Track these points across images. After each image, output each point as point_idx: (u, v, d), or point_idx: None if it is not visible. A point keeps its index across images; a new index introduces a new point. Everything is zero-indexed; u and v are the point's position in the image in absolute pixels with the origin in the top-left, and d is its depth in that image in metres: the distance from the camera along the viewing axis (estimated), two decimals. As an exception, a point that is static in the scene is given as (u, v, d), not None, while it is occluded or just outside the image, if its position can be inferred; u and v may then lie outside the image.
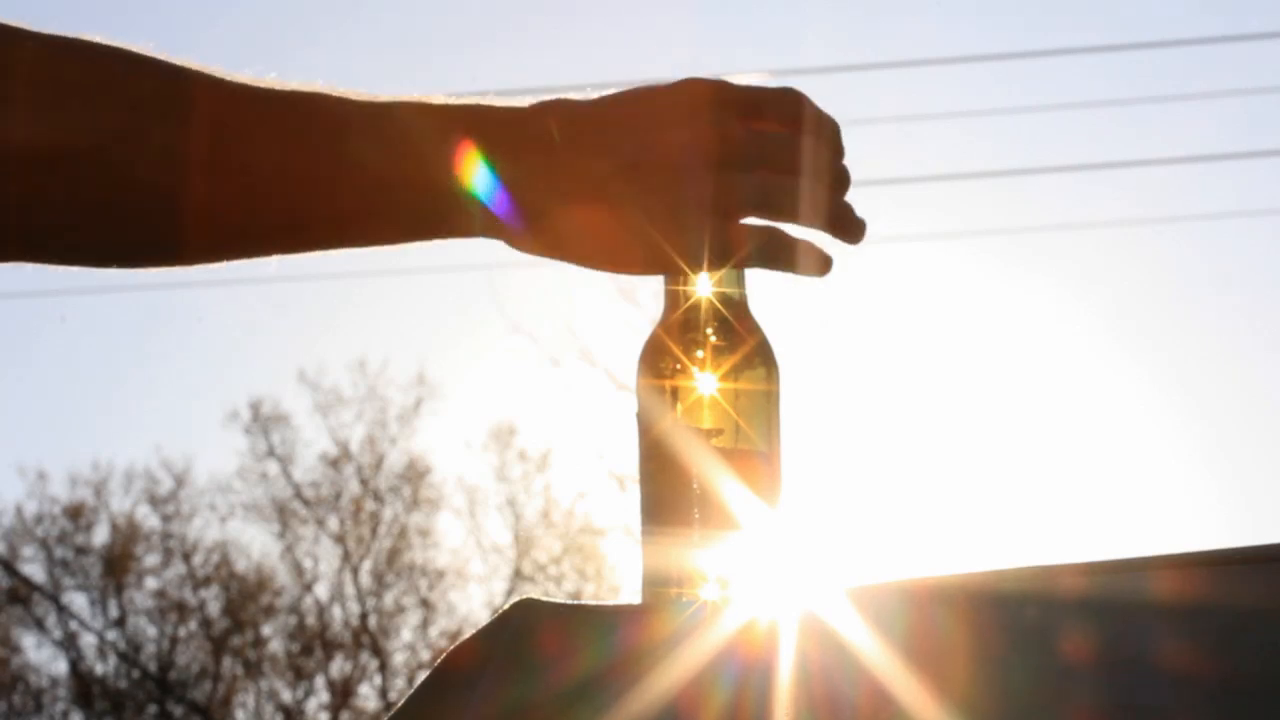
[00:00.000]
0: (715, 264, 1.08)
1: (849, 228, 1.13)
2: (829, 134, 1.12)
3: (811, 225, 1.11)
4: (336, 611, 20.13)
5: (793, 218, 1.10)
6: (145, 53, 1.06)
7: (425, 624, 19.98)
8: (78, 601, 20.07)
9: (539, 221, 1.09)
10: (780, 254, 1.10)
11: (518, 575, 19.71)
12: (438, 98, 1.10)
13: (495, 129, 1.09)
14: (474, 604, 20.34)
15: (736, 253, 1.08)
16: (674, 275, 1.13)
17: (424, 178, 1.08)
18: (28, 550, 20.08)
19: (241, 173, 1.05)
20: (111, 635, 19.94)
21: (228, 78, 1.07)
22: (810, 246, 1.12)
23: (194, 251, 1.09)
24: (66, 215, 1.05)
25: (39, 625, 19.92)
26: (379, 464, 20.39)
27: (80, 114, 1.03)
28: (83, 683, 19.74)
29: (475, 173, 1.08)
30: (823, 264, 1.12)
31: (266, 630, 20.27)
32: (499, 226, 1.09)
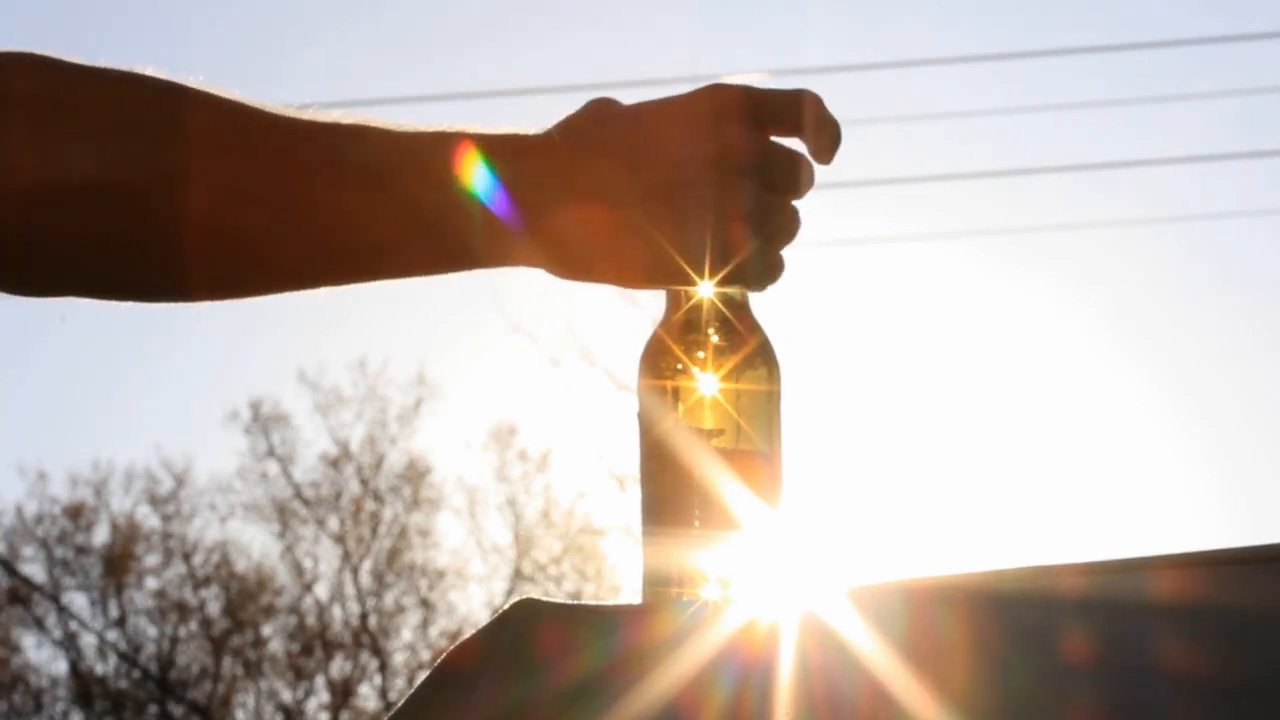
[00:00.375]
0: (716, 265, 1.08)
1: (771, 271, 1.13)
2: (827, 140, 1.12)
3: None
4: (336, 611, 20.14)
5: (787, 238, 1.11)
6: (202, 87, 1.07)
7: (425, 624, 19.99)
8: (78, 601, 20.08)
9: (539, 221, 1.09)
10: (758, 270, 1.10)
11: (518, 575, 19.71)
12: (457, 128, 1.11)
13: (495, 136, 1.09)
14: (474, 604, 20.35)
15: (737, 255, 1.09)
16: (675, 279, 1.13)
17: (458, 209, 1.08)
18: (28, 550, 20.09)
19: (296, 208, 1.06)
20: (112, 635, 19.94)
21: (281, 112, 1.08)
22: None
23: (242, 286, 1.10)
24: (125, 251, 1.06)
25: (39, 625, 19.92)
26: (379, 464, 20.39)
27: (140, 151, 1.04)
28: (83, 683, 19.74)
29: (474, 173, 1.08)
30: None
31: (267, 630, 20.28)
32: (531, 253, 1.09)
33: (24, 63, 1.05)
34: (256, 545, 25.82)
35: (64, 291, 1.09)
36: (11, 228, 1.04)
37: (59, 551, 20.10)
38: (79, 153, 1.04)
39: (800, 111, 1.11)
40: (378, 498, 20.34)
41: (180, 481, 20.32)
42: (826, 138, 1.12)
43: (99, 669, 20.01)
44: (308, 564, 20.20)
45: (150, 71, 1.07)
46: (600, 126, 1.11)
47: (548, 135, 1.10)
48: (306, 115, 1.09)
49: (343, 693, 19.75)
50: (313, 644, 19.97)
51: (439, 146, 1.09)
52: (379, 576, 20.12)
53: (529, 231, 1.09)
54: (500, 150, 1.09)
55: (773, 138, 1.11)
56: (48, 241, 1.05)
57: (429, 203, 1.08)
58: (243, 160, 1.06)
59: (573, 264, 1.11)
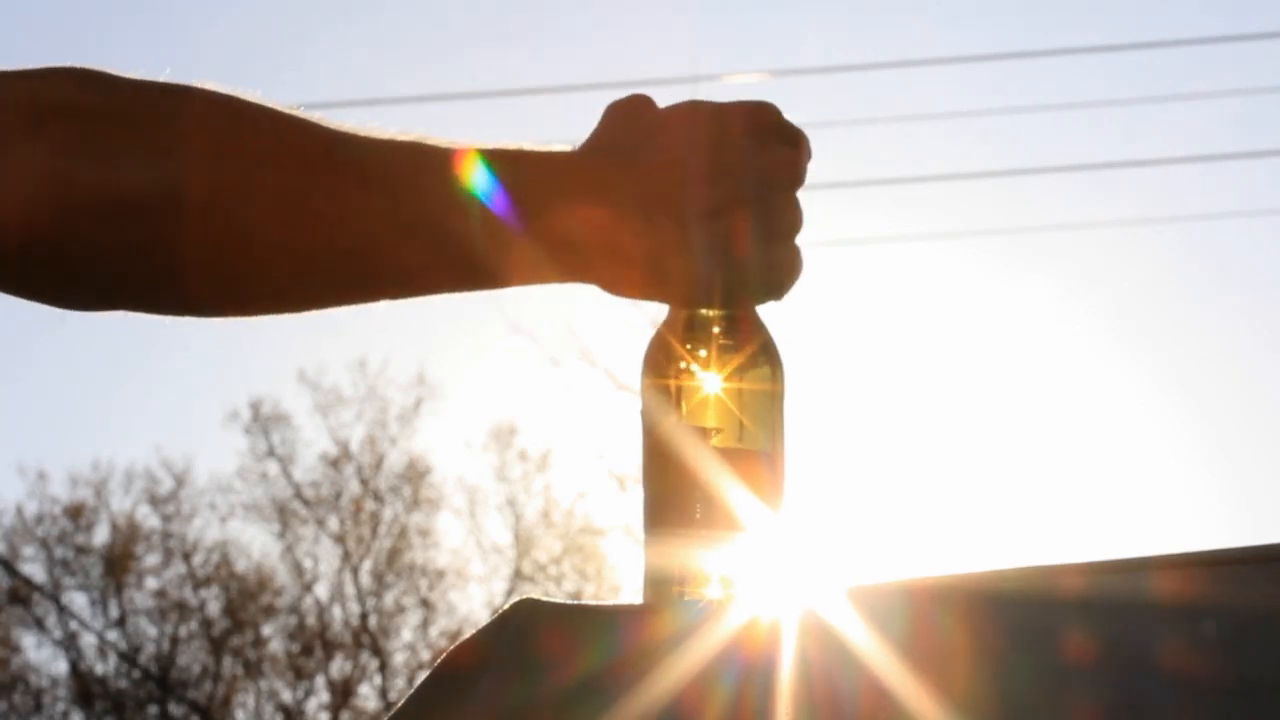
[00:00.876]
0: (716, 265, 1.09)
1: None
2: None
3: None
4: (336, 611, 20.15)
5: (786, 237, 1.11)
6: (257, 100, 1.08)
7: (425, 624, 19.99)
8: (78, 601, 20.08)
9: (539, 220, 1.09)
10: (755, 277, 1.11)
11: (518, 575, 19.71)
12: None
13: (495, 144, 1.10)
14: (474, 604, 20.36)
15: (738, 254, 1.09)
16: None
17: (457, 208, 1.08)
18: (28, 550, 20.09)
19: (341, 223, 1.07)
20: (112, 635, 19.94)
21: (332, 126, 1.09)
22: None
23: (286, 301, 1.11)
24: (179, 264, 1.07)
25: (39, 625, 19.92)
26: (379, 464, 20.39)
27: (198, 165, 1.06)
28: (83, 683, 19.73)
29: (474, 173, 1.08)
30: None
31: (267, 630, 20.28)
32: (533, 258, 1.10)
33: (76, 77, 1.06)
34: (257, 545, 25.84)
35: (115, 305, 1.10)
36: (69, 240, 1.04)
37: (59, 551, 20.11)
38: (137, 165, 1.04)
39: (801, 140, 1.13)
40: (378, 498, 20.34)
41: (180, 481, 20.33)
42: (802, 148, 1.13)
43: (99, 669, 20.02)
44: (308, 564, 20.21)
45: (205, 84, 1.08)
46: (602, 130, 1.12)
47: (545, 141, 1.12)
48: (347, 129, 1.09)
49: (343, 693, 19.75)
50: (313, 644, 19.97)
51: (438, 148, 1.09)
52: (379, 576, 20.12)
53: (530, 232, 1.09)
54: (500, 153, 1.10)
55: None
56: (102, 255, 1.05)
57: (428, 201, 1.08)
58: (300, 176, 1.07)
59: (575, 265, 1.11)
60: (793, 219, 1.11)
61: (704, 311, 1.11)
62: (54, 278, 1.07)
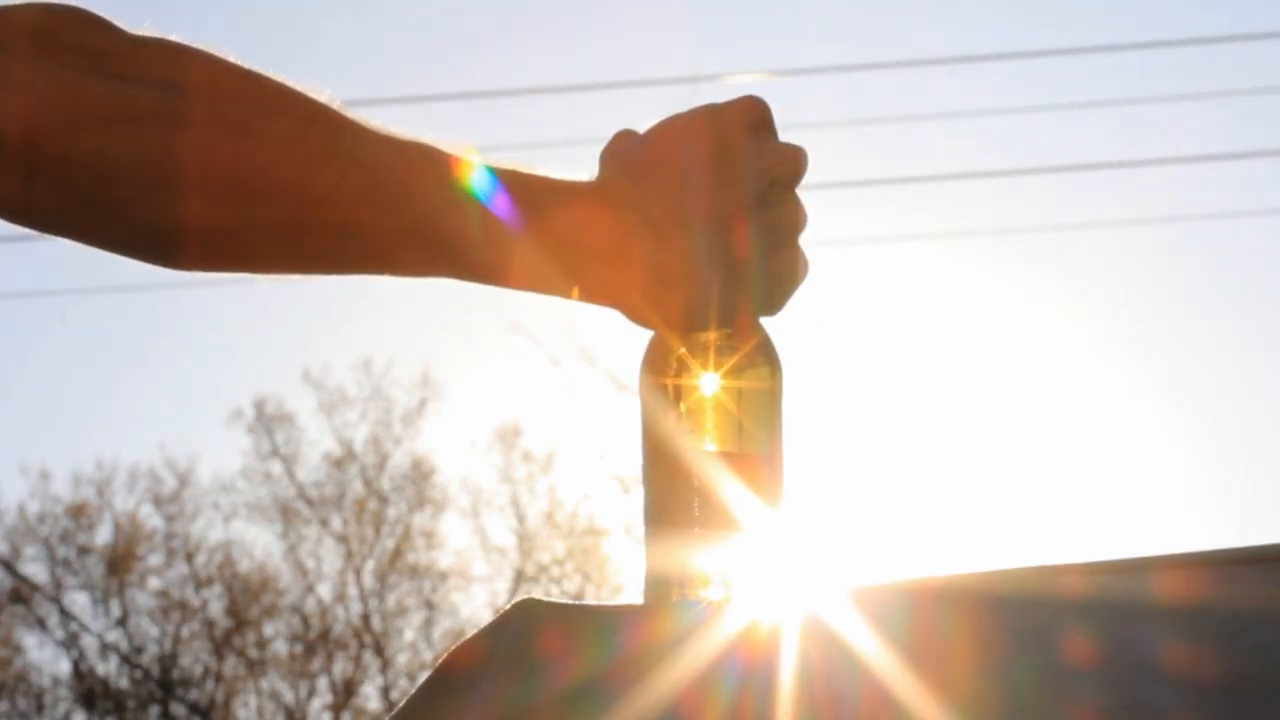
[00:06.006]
0: (715, 266, 1.09)
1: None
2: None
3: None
4: (339, 612, 20.15)
5: (792, 236, 1.11)
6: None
7: (428, 624, 19.99)
8: (80, 601, 20.09)
9: (538, 221, 1.09)
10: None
11: (520, 576, 19.71)
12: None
13: (511, 171, 1.10)
14: (477, 604, 20.36)
15: (738, 255, 1.09)
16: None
17: (456, 206, 1.08)
18: (30, 550, 20.09)
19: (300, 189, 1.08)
20: (114, 635, 19.95)
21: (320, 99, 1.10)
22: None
23: (281, 248, 1.11)
24: (180, 182, 1.07)
25: (41, 625, 19.92)
26: (383, 464, 20.40)
27: (205, 98, 1.08)
28: (85, 683, 19.74)
29: (474, 174, 1.08)
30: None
31: (269, 630, 20.28)
32: (531, 259, 1.10)
33: (88, 16, 1.08)
34: (259, 545, 25.81)
35: (112, 239, 1.10)
36: (76, 147, 1.05)
37: (61, 551, 20.11)
38: (147, 85, 1.06)
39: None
40: (381, 498, 20.35)
41: (183, 481, 20.34)
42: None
43: (101, 669, 20.02)
44: (311, 564, 20.22)
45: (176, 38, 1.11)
46: (609, 161, 1.12)
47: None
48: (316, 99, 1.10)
49: (345, 693, 19.75)
50: (315, 644, 19.97)
51: (437, 147, 1.10)
52: (382, 577, 20.12)
53: (529, 231, 1.09)
54: (503, 164, 1.10)
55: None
56: (108, 166, 1.06)
57: (425, 197, 1.09)
58: (303, 125, 1.08)
59: (575, 267, 1.10)
60: (795, 220, 1.12)
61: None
62: (56, 192, 1.07)
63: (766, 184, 1.10)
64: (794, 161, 1.12)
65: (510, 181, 1.09)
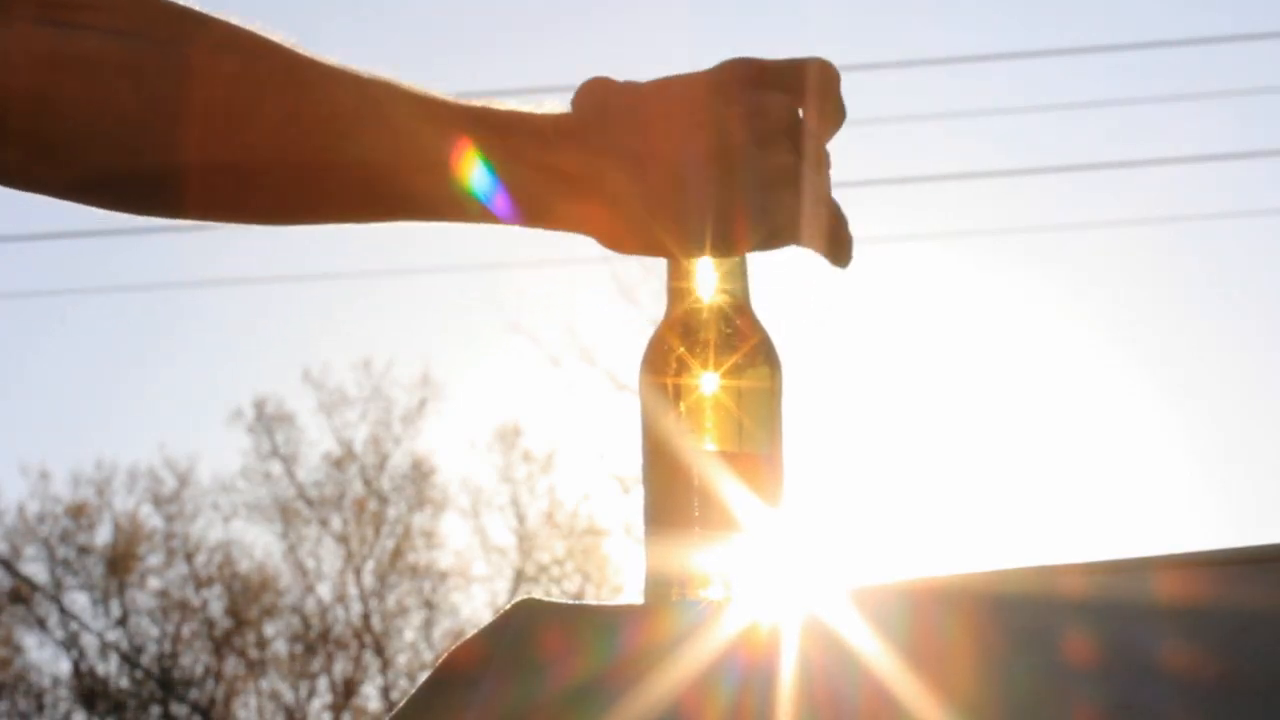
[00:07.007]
0: (717, 256, 1.09)
1: (843, 245, 1.13)
2: (830, 117, 1.12)
3: (811, 229, 1.11)
4: (339, 612, 20.15)
5: (793, 219, 1.10)
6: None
7: (428, 624, 19.99)
8: (80, 601, 20.09)
9: (540, 220, 1.10)
10: (796, 233, 1.10)
11: (520, 576, 19.71)
12: (439, 94, 1.11)
13: (494, 130, 1.09)
14: (477, 604, 20.36)
15: (738, 247, 1.09)
16: (675, 269, 1.12)
17: (422, 171, 1.08)
18: (30, 550, 20.09)
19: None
20: (114, 635, 19.95)
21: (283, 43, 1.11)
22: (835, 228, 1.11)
23: (272, 197, 1.11)
24: (164, 127, 1.07)
25: (41, 625, 19.93)
26: (383, 464, 20.40)
27: (152, 45, 1.07)
28: (85, 683, 19.74)
29: (474, 173, 1.08)
30: (841, 251, 1.12)
31: (269, 630, 20.28)
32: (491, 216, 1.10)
33: None
34: (259, 545, 25.80)
35: (93, 191, 1.09)
36: (57, 94, 1.05)
37: (61, 551, 20.11)
38: (140, 39, 1.06)
39: (803, 77, 1.11)
40: (381, 498, 20.34)
41: (183, 481, 20.33)
42: (831, 106, 1.11)
43: (101, 669, 20.02)
44: (311, 564, 20.22)
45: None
46: (601, 125, 1.10)
47: (543, 130, 1.10)
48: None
49: (345, 693, 19.75)
50: (315, 644, 19.97)
51: (441, 141, 1.09)
52: (382, 577, 20.12)
53: (529, 226, 1.10)
54: (499, 150, 1.09)
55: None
56: (89, 114, 1.05)
57: (424, 193, 1.09)
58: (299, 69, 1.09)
59: (568, 194, 1.09)
60: (785, 164, 1.09)
61: (703, 310, 1.11)
62: (35, 141, 1.06)
63: (758, 136, 1.09)
64: (782, 109, 1.10)
65: (511, 180, 1.09)
